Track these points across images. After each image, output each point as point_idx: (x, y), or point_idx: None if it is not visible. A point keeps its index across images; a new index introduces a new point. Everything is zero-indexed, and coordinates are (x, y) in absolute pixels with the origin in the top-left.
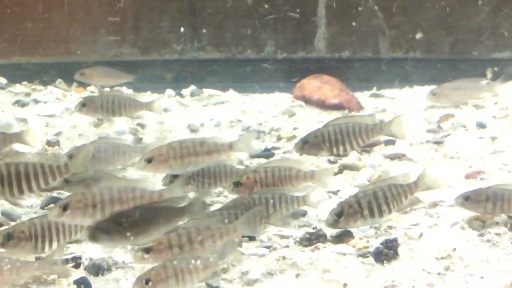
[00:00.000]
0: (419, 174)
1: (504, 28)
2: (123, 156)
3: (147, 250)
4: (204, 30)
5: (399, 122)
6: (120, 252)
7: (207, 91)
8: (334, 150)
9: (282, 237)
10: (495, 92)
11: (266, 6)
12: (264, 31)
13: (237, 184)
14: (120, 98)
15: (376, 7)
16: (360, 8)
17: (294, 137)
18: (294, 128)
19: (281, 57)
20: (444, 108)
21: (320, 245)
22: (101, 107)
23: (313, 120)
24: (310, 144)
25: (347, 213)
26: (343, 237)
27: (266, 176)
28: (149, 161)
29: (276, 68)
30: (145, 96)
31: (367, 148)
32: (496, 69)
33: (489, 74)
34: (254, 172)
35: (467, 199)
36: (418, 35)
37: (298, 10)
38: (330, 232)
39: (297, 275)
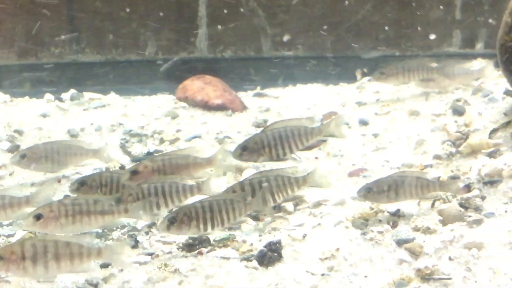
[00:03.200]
0: (309, 170)
1: (381, 26)
2: (75, 157)
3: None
4: (83, 33)
5: (338, 123)
6: None
7: (87, 95)
8: (274, 155)
9: (165, 243)
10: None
11: (147, 7)
12: (145, 32)
13: (134, 173)
14: None
15: (257, 6)
16: (241, 7)
17: (177, 139)
18: (177, 130)
19: (163, 58)
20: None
21: (203, 250)
22: None
23: (196, 121)
24: (249, 150)
25: None
26: (226, 240)
27: (164, 165)
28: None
29: (158, 70)
30: (23, 102)
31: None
32: (365, 70)
33: (358, 75)
34: (152, 160)
35: (370, 191)
36: (286, 37)
37: (178, 10)
38: (213, 236)
39: (180, 282)
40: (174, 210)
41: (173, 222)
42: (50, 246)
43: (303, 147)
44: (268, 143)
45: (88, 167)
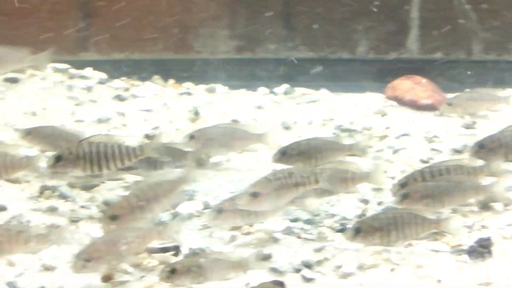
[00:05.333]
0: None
1: None
2: (240, 141)
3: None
4: (297, 31)
5: None
6: (218, 242)
7: (299, 90)
8: (510, 156)
9: None
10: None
11: (359, 7)
12: (357, 31)
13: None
14: None
15: (469, 9)
16: (453, 10)
17: (385, 136)
18: (386, 128)
19: (373, 57)
20: None
21: (413, 241)
22: None
23: (405, 119)
24: (486, 149)
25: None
26: (435, 234)
27: None
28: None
29: (367, 69)
30: (240, 94)
31: None
32: None
33: None
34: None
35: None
36: (496, 41)
37: (390, 11)
38: None
39: (391, 270)
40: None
41: (358, 232)
42: None
43: None
44: (506, 144)
45: None
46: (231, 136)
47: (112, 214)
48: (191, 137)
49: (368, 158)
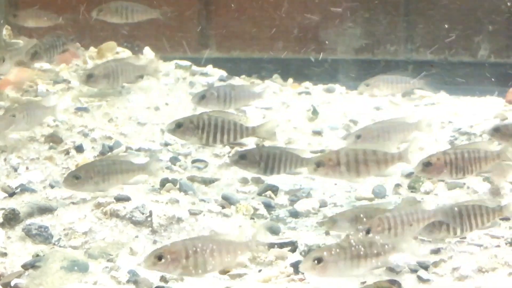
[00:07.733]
0: None
1: None
2: (402, 133)
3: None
4: (417, 33)
5: None
6: (334, 239)
7: (418, 92)
8: None
9: (493, 237)
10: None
11: (481, 10)
12: (478, 35)
13: (427, 165)
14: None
15: None
16: None
17: None
18: None
19: (494, 61)
20: None
21: None
22: None
23: None
24: None
25: None
26: None
27: (456, 158)
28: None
29: (488, 72)
30: (357, 95)
31: None
32: None
33: None
34: (444, 153)
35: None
36: None
37: None
38: None
39: (509, 274)
40: None
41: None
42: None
43: None
44: None
45: None
46: (394, 130)
47: (319, 161)
48: (358, 136)
49: None
